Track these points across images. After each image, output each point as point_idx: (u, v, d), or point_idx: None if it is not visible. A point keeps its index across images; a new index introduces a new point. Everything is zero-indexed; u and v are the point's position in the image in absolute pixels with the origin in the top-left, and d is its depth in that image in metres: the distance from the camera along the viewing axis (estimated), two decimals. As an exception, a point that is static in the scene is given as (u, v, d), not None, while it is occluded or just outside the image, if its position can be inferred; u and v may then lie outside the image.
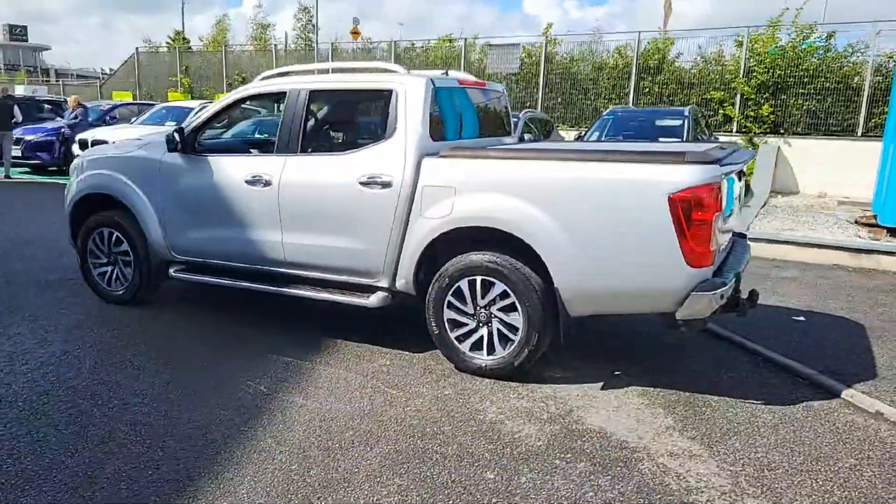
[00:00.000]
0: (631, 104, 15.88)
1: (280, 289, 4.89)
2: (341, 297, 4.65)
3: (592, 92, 16.73)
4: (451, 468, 3.19)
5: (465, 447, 3.40)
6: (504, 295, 4.13)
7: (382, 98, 4.53)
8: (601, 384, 4.22)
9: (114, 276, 5.73)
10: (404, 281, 4.47)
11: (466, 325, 4.30)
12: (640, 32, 16.15)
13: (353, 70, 5.08)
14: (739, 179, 4.58)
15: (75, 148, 13.88)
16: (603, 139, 10.85)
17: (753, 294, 4.55)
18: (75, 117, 15.72)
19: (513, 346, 4.16)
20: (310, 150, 4.80)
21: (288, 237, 4.79)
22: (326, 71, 5.27)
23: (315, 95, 4.84)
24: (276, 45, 23.98)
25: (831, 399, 4.05)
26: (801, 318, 5.57)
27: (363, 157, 4.52)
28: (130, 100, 21.89)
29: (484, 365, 4.26)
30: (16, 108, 14.39)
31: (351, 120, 4.95)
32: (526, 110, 13.41)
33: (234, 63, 23.15)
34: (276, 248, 4.86)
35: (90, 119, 16.07)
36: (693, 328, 4.08)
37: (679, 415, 3.81)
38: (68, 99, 16.57)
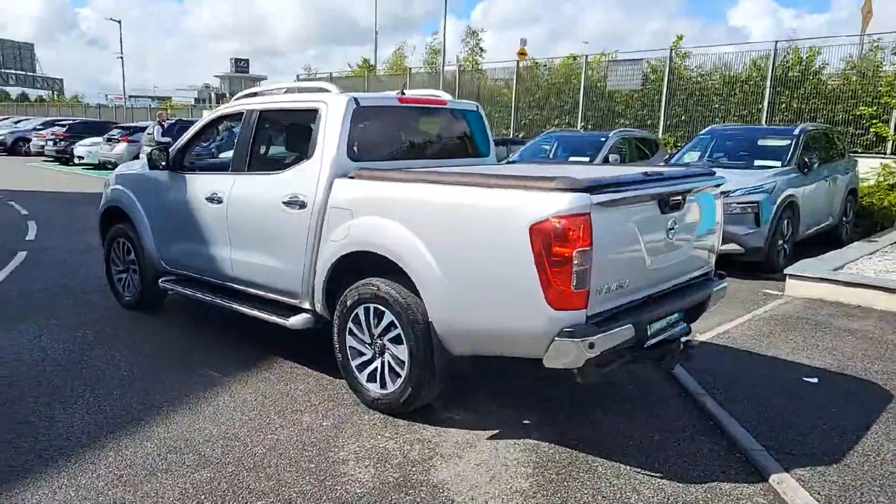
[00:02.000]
0: (763, 122, 14.31)
1: (225, 304, 5.00)
2: (265, 315, 4.65)
3: (721, 108, 15.30)
4: (239, 502, 3.04)
5: (283, 484, 3.22)
6: (392, 326, 3.88)
7: (311, 118, 4.49)
8: (494, 432, 3.79)
9: (126, 282, 6.23)
10: (320, 304, 4.36)
11: (364, 354, 4.10)
12: (776, 42, 14.51)
13: (299, 90, 5.08)
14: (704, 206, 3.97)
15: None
16: (695, 161, 9.85)
17: (688, 345, 3.91)
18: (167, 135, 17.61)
19: (399, 382, 3.88)
20: (254, 168, 4.87)
21: (234, 253, 4.90)
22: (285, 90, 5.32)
23: (263, 116, 4.91)
24: (410, 68, 24.83)
25: (754, 483, 3.29)
26: (814, 380, 4.60)
27: (288, 176, 4.51)
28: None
29: (376, 398, 4.03)
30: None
31: (287, 139, 4.96)
32: (619, 129, 12.63)
33: (375, 87, 24.33)
34: (226, 264, 4.99)
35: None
36: (588, 380, 3.52)
37: (542, 479, 3.31)
38: (159, 114, 18.50)
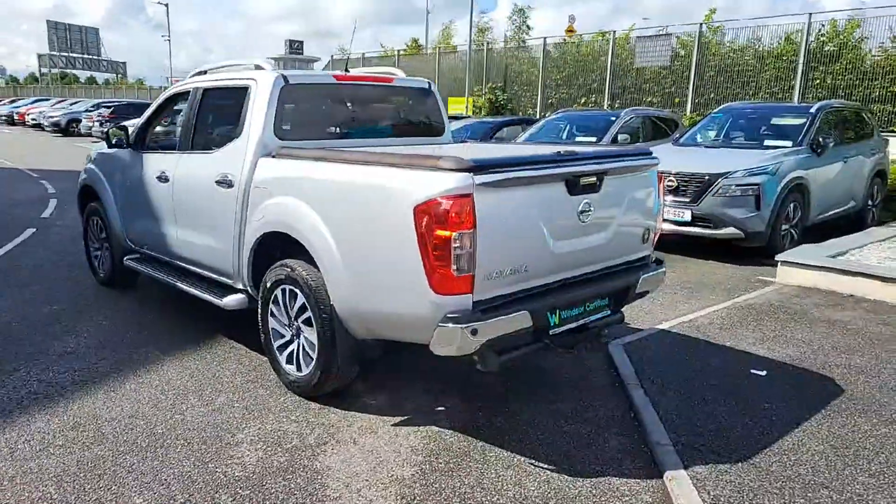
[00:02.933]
0: (796, 99, 13.61)
1: (170, 281, 5.04)
2: (201, 293, 4.66)
3: (751, 85, 14.61)
4: (116, 483, 3.05)
5: (166, 464, 3.22)
6: (304, 308, 3.82)
7: (242, 96, 4.43)
8: (402, 418, 3.71)
9: (101, 260, 6.35)
10: (249, 284, 4.34)
11: (284, 335, 4.06)
12: (810, 14, 13.73)
13: (232, 67, 5.00)
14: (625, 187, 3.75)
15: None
16: (697, 141, 9.43)
17: (600, 333, 3.72)
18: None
19: (311, 365, 3.83)
20: (196, 147, 4.86)
21: (180, 232, 4.93)
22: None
23: (204, 94, 4.88)
24: (457, 47, 24.54)
25: (648, 480, 3.11)
26: (762, 373, 4.33)
27: (220, 155, 4.49)
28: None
29: (293, 380, 3.99)
30: None
31: (222, 118, 4.92)
32: (633, 108, 12.21)
33: (418, 68, 24.14)
34: (174, 242, 5.02)
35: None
36: (488, 367, 3.39)
37: (428, 468, 3.21)
38: None
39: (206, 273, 4.78)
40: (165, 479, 3.08)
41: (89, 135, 27.91)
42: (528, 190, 3.28)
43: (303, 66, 32.16)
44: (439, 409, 3.86)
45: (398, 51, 25.39)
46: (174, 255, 5.09)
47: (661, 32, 16.27)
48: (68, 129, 31.22)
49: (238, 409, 3.82)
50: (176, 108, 5.48)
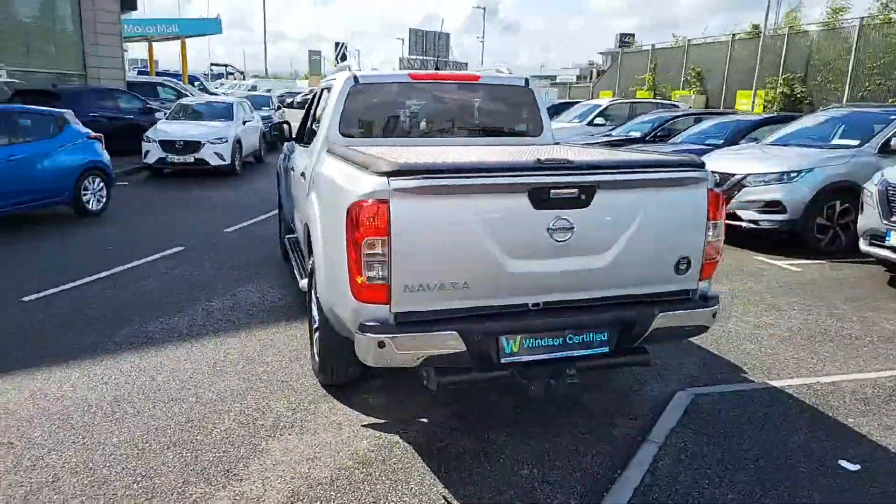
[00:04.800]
0: None
1: (291, 264, 5.63)
2: (297, 275, 5.09)
3: None
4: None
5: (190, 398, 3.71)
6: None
7: (328, 95, 4.73)
8: (375, 421, 3.68)
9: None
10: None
11: (315, 324, 4.28)
12: None
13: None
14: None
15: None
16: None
17: (568, 374, 3.20)
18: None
19: (317, 357, 4.01)
20: (307, 141, 5.31)
21: (296, 214, 5.49)
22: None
23: (319, 94, 5.33)
24: (733, 34, 21.95)
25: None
26: (854, 468, 3.21)
27: (308, 149, 4.88)
28: (619, 99, 23.26)
29: (315, 369, 4.20)
30: None
31: (320, 116, 5.20)
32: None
33: (709, 58, 22.27)
34: (294, 224, 5.63)
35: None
36: (430, 385, 3.18)
37: (345, 474, 3.15)
38: None
39: None
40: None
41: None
42: (471, 200, 2.95)
43: (632, 59, 31.42)
44: (422, 420, 3.71)
45: (688, 40, 23.54)
46: (294, 240, 5.68)
47: None
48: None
49: (261, 382, 4.16)
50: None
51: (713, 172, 8.18)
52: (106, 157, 9.81)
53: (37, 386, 4.03)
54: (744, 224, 8.12)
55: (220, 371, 4.31)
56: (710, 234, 3.33)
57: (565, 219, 3.04)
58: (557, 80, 60.82)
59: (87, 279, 6.29)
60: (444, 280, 2.98)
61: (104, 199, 9.69)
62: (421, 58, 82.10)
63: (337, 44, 71.70)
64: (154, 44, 29.71)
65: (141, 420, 3.65)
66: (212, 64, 77.84)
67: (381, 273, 2.90)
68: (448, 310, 3.03)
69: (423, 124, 4.78)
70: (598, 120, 16.13)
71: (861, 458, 3.30)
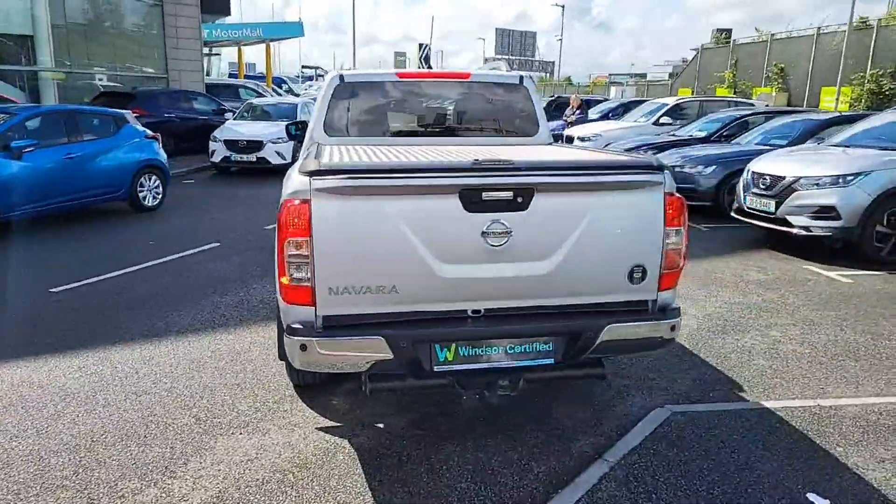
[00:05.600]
0: None
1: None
2: None
3: None
4: (84, 412, 3.75)
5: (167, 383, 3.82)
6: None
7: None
8: (330, 425, 3.64)
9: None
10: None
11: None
12: None
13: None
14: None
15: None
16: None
17: (508, 383, 3.05)
18: (581, 114, 17.95)
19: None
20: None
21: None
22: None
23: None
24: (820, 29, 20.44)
25: None
26: (822, 502, 2.88)
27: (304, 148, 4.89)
28: (687, 97, 22.46)
29: (289, 364, 4.21)
30: None
31: None
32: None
33: (790, 52, 21.00)
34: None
35: (589, 118, 17.98)
36: (366, 390, 3.10)
37: (279, 477, 3.11)
38: (571, 98, 18.80)
39: None
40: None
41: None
42: (398, 201, 2.85)
43: (719, 54, 30.03)
44: (378, 425, 3.64)
45: (771, 35, 22.13)
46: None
47: None
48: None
49: (236, 379, 4.21)
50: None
51: (763, 175, 8.00)
52: (162, 155, 10.27)
53: (26, 374, 4.24)
54: (794, 231, 7.56)
55: (201, 367, 4.39)
56: (669, 241, 3.08)
57: (501, 222, 2.88)
58: (648, 79, 58.92)
59: (118, 272, 6.58)
60: (371, 283, 2.89)
61: (160, 196, 10.17)
62: (506, 57, 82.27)
63: (420, 45, 72.59)
64: (250, 47, 30.97)
65: (108, 411, 3.76)
66: (303, 66, 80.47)
67: (305, 274, 2.85)
68: (376, 314, 2.94)
69: (410, 123, 4.69)
70: (665, 119, 15.51)
71: (835, 492, 2.96)
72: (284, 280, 2.88)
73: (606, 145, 14.09)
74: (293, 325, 2.93)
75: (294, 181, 2.86)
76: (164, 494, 2.99)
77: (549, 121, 18.47)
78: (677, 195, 3.08)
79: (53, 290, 6.02)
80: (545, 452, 3.35)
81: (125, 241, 8.10)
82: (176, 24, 18.92)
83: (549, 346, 3.09)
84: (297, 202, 2.80)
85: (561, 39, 55.26)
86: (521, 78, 4.70)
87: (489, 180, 2.87)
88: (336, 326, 2.93)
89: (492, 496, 3.00)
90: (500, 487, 3.06)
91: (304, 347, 2.88)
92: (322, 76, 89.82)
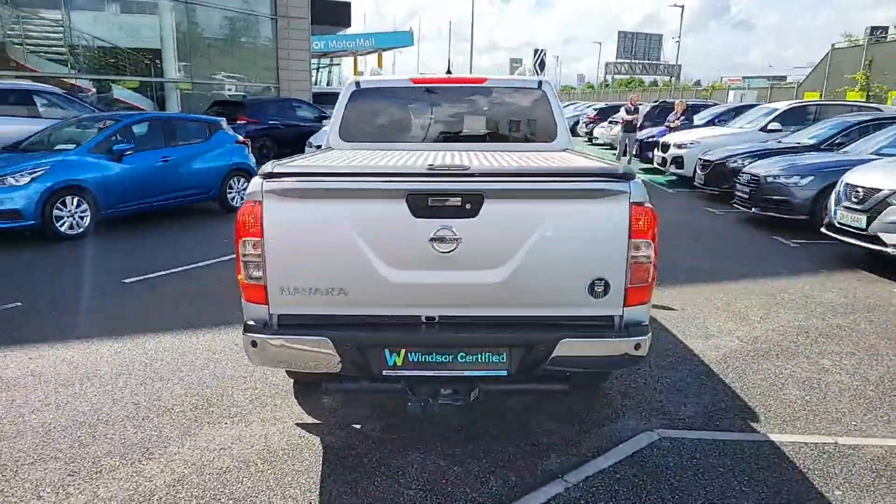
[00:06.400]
0: None
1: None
2: None
3: None
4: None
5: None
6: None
7: (344, 101, 4.87)
8: (311, 422, 3.73)
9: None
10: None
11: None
12: None
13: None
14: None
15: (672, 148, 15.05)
16: None
17: (450, 393, 3.01)
18: (685, 120, 17.15)
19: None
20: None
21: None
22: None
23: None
24: None
25: None
26: None
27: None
28: (801, 101, 21.01)
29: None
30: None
31: None
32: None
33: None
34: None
35: (693, 123, 17.12)
36: (322, 392, 3.17)
37: (243, 467, 3.23)
38: (676, 102, 17.94)
39: None
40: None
41: (588, 134, 30.82)
42: (347, 205, 2.88)
43: (884, 51, 27.92)
44: (355, 426, 3.68)
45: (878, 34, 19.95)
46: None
47: None
48: (574, 129, 35.17)
49: (245, 372, 4.40)
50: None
51: (856, 187, 7.28)
52: (251, 159, 10.92)
53: (69, 354, 4.66)
54: (890, 250, 6.83)
55: (218, 358, 4.63)
56: (637, 254, 2.90)
57: (450, 229, 2.85)
58: (786, 81, 54.87)
59: (189, 266, 7.08)
60: (320, 285, 2.94)
61: (248, 198, 10.81)
62: (628, 62, 79.65)
63: (536, 51, 72.05)
64: (373, 57, 32.34)
65: (122, 394, 4.06)
66: (420, 73, 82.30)
67: (258, 273, 2.95)
68: (328, 315, 2.99)
69: (423, 129, 4.71)
70: (774, 125, 14.46)
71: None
72: (241, 278, 3.00)
73: (705, 153, 13.38)
74: (247, 322, 3.04)
75: (252, 183, 2.98)
76: (134, 474, 3.19)
77: (650, 127, 17.69)
78: (648, 206, 2.90)
79: (126, 280, 6.57)
80: (509, 468, 3.25)
81: (206, 238, 8.68)
82: (288, 37, 20.05)
83: (502, 358, 3.00)
84: (251, 203, 2.91)
85: (679, 41, 52.61)
86: (540, 83, 4.59)
87: (435, 186, 2.84)
88: (291, 325, 3.01)
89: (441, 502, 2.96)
90: (446, 498, 3.01)
91: (254, 344, 2.98)
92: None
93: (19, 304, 5.80)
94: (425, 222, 2.85)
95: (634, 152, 17.97)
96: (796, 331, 5.32)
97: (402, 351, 3.00)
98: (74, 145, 8.86)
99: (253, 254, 2.93)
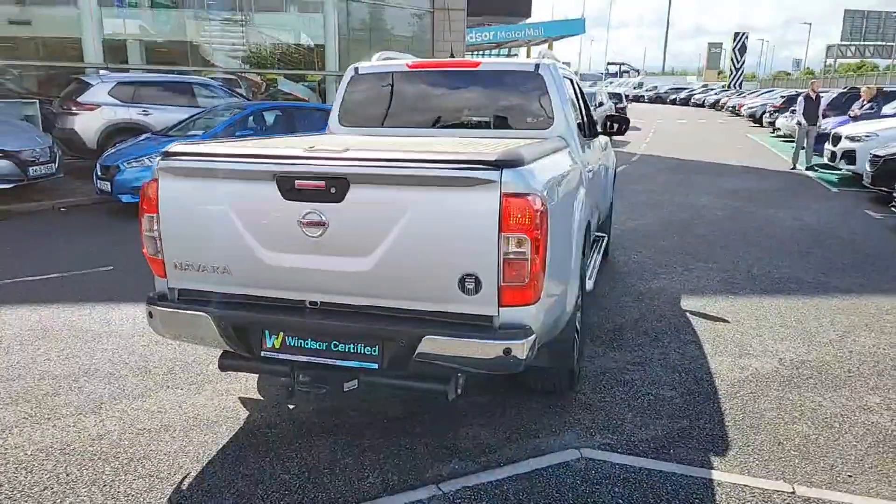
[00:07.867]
0: None
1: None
2: None
3: None
4: (109, 351, 4.53)
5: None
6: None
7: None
8: (264, 400, 3.84)
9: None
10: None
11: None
12: None
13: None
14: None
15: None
16: None
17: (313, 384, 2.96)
18: (871, 108, 14.99)
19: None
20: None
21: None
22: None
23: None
24: None
25: None
26: None
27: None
28: None
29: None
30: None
31: None
32: None
33: None
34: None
35: (881, 113, 14.82)
36: (223, 364, 3.26)
37: (224, 458, 3.42)
38: (863, 88, 15.53)
39: None
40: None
41: (771, 123, 27.93)
42: (225, 185, 2.91)
43: None
44: (290, 407, 3.72)
45: None
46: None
47: None
48: (761, 119, 31.98)
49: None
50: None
51: None
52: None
53: (104, 314, 5.22)
54: None
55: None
56: (508, 251, 2.60)
57: (317, 213, 2.77)
58: None
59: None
60: (205, 262, 3.01)
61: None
62: (856, 44, 70.39)
63: (736, 34, 66.23)
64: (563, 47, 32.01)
65: (118, 355, 4.44)
66: (608, 63, 79.90)
67: (155, 248, 3.10)
68: (217, 293, 3.06)
69: (417, 114, 4.55)
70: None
71: None
72: (145, 252, 3.16)
73: (882, 147, 11.50)
74: (149, 294, 3.20)
75: (155, 162, 3.12)
76: (73, 425, 3.51)
77: (834, 116, 15.50)
78: (527, 198, 2.59)
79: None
80: (401, 467, 3.09)
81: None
82: (444, 29, 20.47)
83: (374, 351, 2.86)
84: (151, 180, 3.05)
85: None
86: (537, 66, 4.23)
87: (300, 168, 2.78)
88: (187, 300, 3.12)
89: (304, 492, 2.90)
90: (314, 487, 2.94)
91: (150, 315, 3.14)
92: (627, 72, 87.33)
93: (111, 267, 6.61)
94: (294, 205, 2.80)
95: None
96: (864, 358, 4.44)
97: (281, 334, 2.99)
98: (203, 131, 9.86)
99: (153, 229, 3.08)
